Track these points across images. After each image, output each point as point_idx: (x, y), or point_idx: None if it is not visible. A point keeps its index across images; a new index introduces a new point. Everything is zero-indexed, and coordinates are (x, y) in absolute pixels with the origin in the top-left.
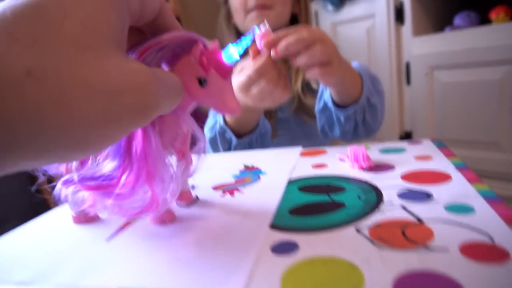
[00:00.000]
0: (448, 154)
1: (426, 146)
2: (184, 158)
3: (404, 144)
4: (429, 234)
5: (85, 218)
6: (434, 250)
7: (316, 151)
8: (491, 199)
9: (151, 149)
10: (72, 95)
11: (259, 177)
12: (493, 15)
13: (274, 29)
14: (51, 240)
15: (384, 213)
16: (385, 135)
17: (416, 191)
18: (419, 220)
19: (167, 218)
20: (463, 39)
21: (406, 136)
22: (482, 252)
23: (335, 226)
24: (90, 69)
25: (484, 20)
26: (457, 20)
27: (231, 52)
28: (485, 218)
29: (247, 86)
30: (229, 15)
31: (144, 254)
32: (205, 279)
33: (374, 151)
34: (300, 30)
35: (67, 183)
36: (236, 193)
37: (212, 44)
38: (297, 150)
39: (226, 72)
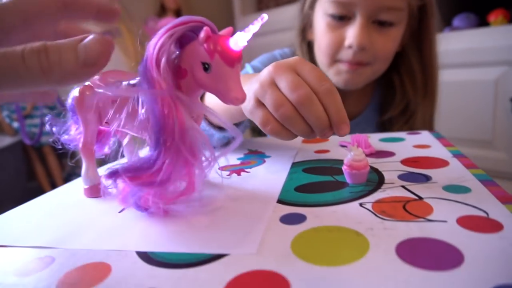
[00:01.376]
0: (446, 143)
1: (425, 136)
2: None
3: (403, 134)
4: (429, 209)
5: (96, 191)
6: (433, 221)
7: (317, 139)
8: (486, 181)
9: (188, 136)
10: None
11: (264, 160)
12: (491, 18)
13: (363, 84)
14: (65, 210)
15: (386, 191)
16: None
17: (416, 173)
18: (419, 197)
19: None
20: (461, 39)
21: None
22: (478, 223)
23: (340, 202)
24: None
25: (482, 22)
26: (456, 21)
27: (238, 39)
28: (481, 197)
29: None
30: (305, 31)
31: (158, 223)
32: (220, 242)
33: (375, 140)
34: None
35: (112, 175)
36: (242, 174)
37: (224, 31)
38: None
39: (232, 59)
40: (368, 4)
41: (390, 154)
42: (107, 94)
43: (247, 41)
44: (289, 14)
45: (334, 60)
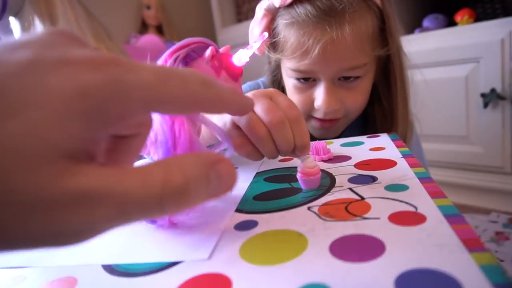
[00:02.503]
0: (399, 145)
1: (382, 139)
2: None
3: (363, 138)
4: (367, 208)
5: None
6: (368, 219)
7: None
8: (425, 179)
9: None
10: None
11: None
12: (458, 17)
13: (341, 130)
14: None
15: (334, 194)
16: None
17: (365, 175)
18: (362, 197)
19: None
20: (431, 40)
21: None
22: (405, 218)
23: (291, 207)
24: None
25: (450, 22)
26: (426, 22)
27: (241, 55)
28: (415, 194)
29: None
30: (276, 82)
31: (123, 237)
32: (177, 251)
33: (336, 145)
34: None
35: None
36: None
37: (223, 48)
38: None
39: (236, 75)
40: (329, 70)
41: (347, 158)
42: None
43: (249, 57)
44: None
45: (307, 116)
